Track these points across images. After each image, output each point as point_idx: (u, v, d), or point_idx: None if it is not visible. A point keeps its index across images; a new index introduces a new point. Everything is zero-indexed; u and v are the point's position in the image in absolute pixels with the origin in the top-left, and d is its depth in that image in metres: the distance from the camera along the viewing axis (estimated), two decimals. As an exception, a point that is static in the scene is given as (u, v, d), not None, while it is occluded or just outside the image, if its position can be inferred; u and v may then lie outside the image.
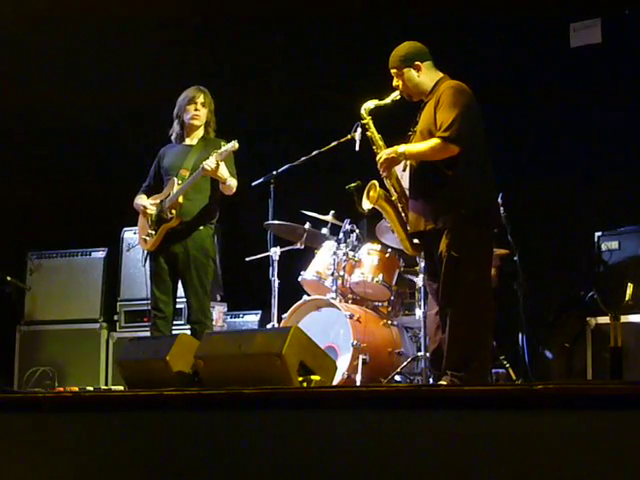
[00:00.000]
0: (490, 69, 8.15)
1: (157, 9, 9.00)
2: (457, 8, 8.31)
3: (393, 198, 5.65)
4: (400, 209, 5.64)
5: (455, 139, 5.32)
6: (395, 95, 5.68)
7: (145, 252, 6.81)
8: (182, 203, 6.56)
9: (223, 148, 6.43)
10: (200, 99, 6.73)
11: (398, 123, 5.78)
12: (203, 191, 6.65)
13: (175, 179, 6.62)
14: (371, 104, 5.71)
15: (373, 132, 5.73)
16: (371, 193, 5.67)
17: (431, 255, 5.58)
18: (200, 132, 6.82)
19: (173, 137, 6.86)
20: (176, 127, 6.83)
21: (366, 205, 5.69)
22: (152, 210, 6.67)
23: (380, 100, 5.72)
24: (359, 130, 6.75)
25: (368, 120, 5.72)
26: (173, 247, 6.60)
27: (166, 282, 6.64)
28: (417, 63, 5.57)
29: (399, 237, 5.72)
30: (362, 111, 5.72)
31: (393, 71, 5.62)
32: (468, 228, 5.36)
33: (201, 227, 6.63)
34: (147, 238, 6.68)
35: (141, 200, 6.79)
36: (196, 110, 6.72)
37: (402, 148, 5.50)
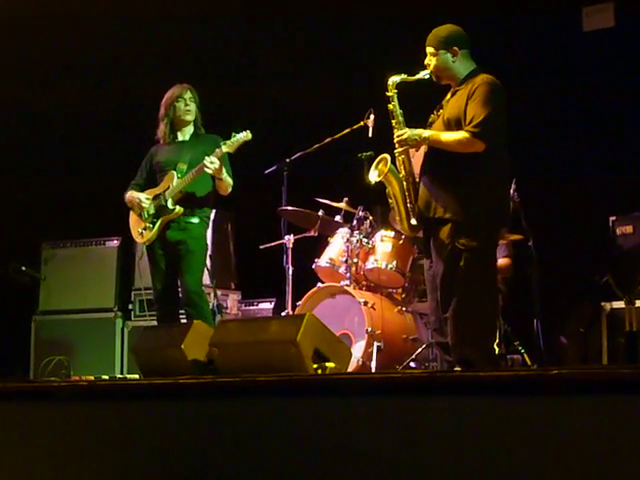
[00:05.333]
0: (502, 54, 8.11)
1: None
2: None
3: (401, 175, 5.62)
4: (405, 187, 5.61)
5: (484, 136, 5.29)
6: (424, 74, 5.59)
7: (141, 247, 6.84)
8: (182, 196, 6.60)
9: (236, 137, 6.43)
10: (187, 95, 6.75)
11: (420, 102, 5.73)
12: (201, 183, 6.66)
13: (174, 172, 6.65)
14: (398, 78, 5.62)
15: (395, 106, 5.62)
16: (380, 166, 5.62)
17: (430, 240, 5.57)
18: (190, 129, 6.84)
19: (162, 139, 6.84)
20: (164, 128, 6.81)
21: (373, 177, 5.64)
22: (146, 204, 6.70)
23: (408, 76, 5.66)
24: (372, 117, 6.74)
25: (393, 93, 5.61)
26: (170, 237, 6.64)
27: (166, 272, 6.69)
28: (455, 48, 5.50)
29: (399, 216, 5.65)
30: (389, 83, 5.62)
31: (429, 50, 5.55)
32: (476, 223, 5.34)
33: (196, 220, 6.66)
34: (143, 231, 6.72)
35: (136, 194, 6.80)
36: (186, 106, 6.74)
37: (427, 133, 5.46)
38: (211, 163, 6.41)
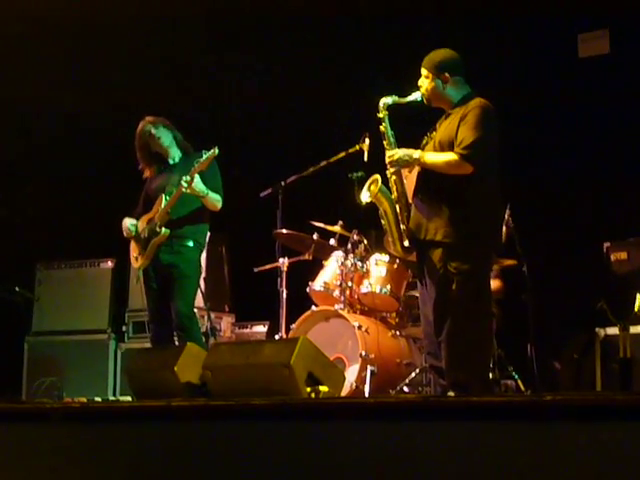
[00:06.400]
0: (498, 80, 8.14)
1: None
2: (465, 18, 8.33)
3: (393, 196, 5.62)
4: (398, 209, 5.61)
5: (472, 159, 5.28)
6: (416, 96, 5.61)
7: (138, 270, 6.87)
8: (170, 218, 6.63)
9: (204, 156, 6.46)
10: (149, 126, 6.80)
11: (414, 125, 5.74)
12: (192, 207, 6.70)
13: (163, 196, 6.68)
14: (389, 100, 5.65)
15: (387, 127, 5.65)
16: (372, 187, 5.63)
17: (423, 263, 5.57)
18: (177, 152, 6.89)
19: (149, 174, 6.93)
20: (146, 167, 6.92)
21: (365, 197, 5.64)
22: (132, 229, 6.77)
23: (400, 97, 5.67)
24: (367, 141, 6.75)
25: (384, 114, 5.64)
26: (163, 260, 6.67)
27: (159, 294, 6.71)
28: (446, 75, 5.50)
29: (391, 237, 5.65)
30: (380, 104, 5.65)
31: (423, 71, 5.58)
32: (467, 246, 5.33)
33: (190, 243, 6.69)
34: (138, 256, 6.76)
35: (125, 220, 6.87)
36: (158, 139, 6.79)
37: (417, 154, 5.47)
38: (185, 182, 6.45)
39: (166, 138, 6.81)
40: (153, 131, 6.79)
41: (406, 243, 5.57)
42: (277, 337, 7.29)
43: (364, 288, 7.34)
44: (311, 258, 7.69)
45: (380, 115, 5.67)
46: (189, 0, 8.99)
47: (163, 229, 6.59)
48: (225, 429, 4.11)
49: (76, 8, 8.88)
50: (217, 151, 6.46)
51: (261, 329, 9.01)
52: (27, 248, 9.56)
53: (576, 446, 3.23)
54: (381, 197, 5.59)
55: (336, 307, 7.23)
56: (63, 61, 9.34)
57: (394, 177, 5.60)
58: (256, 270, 7.97)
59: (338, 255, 7.47)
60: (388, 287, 7.27)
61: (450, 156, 5.35)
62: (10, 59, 9.20)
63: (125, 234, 6.83)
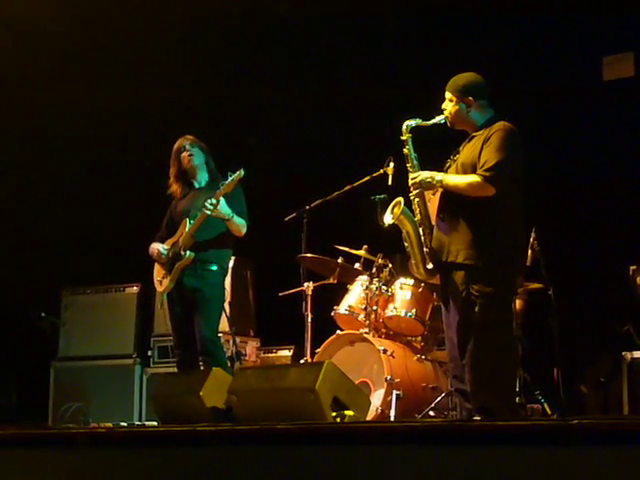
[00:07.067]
0: (522, 103, 8.13)
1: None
2: (489, 42, 8.34)
3: (416, 219, 5.61)
4: (421, 231, 5.60)
5: (494, 180, 5.28)
6: (440, 119, 5.62)
7: (162, 295, 6.87)
8: (195, 241, 6.64)
9: (230, 178, 6.46)
10: (187, 143, 6.85)
11: (437, 148, 5.75)
12: (217, 231, 6.70)
13: (187, 219, 6.69)
14: (412, 122, 5.66)
15: (410, 150, 5.66)
16: (395, 209, 5.63)
17: (446, 286, 5.56)
18: (204, 175, 6.91)
19: (178, 194, 6.94)
20: (175, 185, 6.92)
21: (388, 219, 5.64)
22: (164, 254, 6.76)
23: (423, 120, 5.69)
24: (392, 165, 6.75)
25: (407, 137, 5.65)
26: (187, 283, 6.66)
27: (184, 318, 6.70)
28: (470, 99, 5.51)
29: (414, 259, 5.63)
30: (403, 127, 5.66)
31: (447, 95, 5.59)
32: (489, 268, 5.32)
33: (214, 267, 6.69)
34: (162, 280, 6.77)
35: (156, 245, 6.87)
36: (190, 154, 6.82)
37: (440, 176, 5.47)
38: (210, 205, 6.46)
39: (198, 158, 6.83)
40: (188, 147, 6.82)
41: (429, 265, 5.56)
42: (302, 361, 7.29)
43: (389, 312, 7.32)
44: (336, 282, 7.68)
45: (403, 138, 5.68)
46: (215, 27, 9.05)
47: (187, 252, 6.60)
48: (250, 454, 4.10)
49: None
50: (243, 173, 6.47)
51: (286, 353, 9.00)
52: (53, 274, 9.60)
53: (603, 470, 3.20)
54: (404, 219, 5.59)
55: (361, 331, 7.22)
56: (99, 88, 9.40)
57: (417, 199, 5.60)
58: (281, 294, 7.97)
59: (363, 279, 7.47)
60: (413, 311, 7.26)
61: (472, 178, 5.35)
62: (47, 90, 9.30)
63: (156, 259, 6.83)
